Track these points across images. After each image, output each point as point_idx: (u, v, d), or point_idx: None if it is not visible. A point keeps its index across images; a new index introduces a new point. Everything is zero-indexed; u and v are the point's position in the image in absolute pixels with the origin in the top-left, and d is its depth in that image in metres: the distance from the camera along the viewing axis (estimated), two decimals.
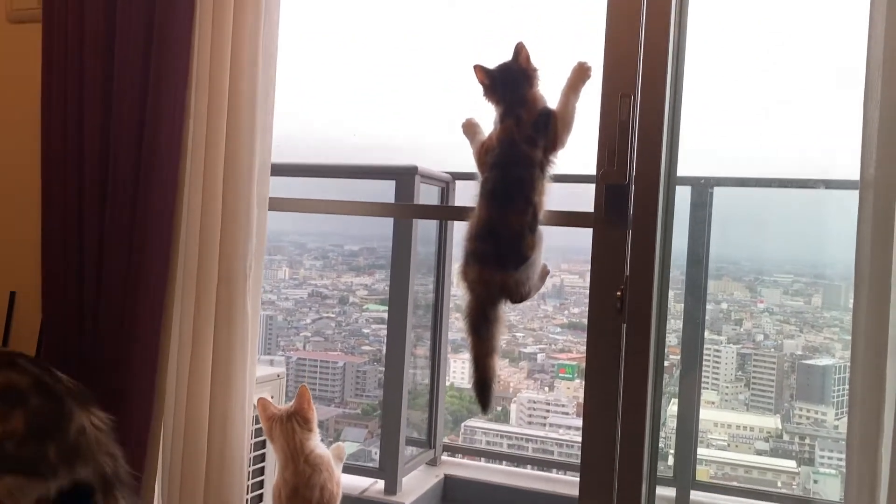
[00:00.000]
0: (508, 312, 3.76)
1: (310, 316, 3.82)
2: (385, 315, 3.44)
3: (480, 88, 1.82)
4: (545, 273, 1.84)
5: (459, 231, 1.90)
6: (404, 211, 2.67)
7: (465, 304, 1.80)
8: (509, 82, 1.79)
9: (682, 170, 1.87)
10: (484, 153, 1.81)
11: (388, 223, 2.91)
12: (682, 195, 2.10)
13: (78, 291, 1.96)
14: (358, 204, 2.14)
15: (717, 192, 2.35)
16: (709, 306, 2.73)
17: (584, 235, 1.79)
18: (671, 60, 1.66)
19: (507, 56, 1.82)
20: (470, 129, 1.88)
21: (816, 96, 2.10)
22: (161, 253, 1.87)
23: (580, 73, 1.76)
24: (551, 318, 3.54)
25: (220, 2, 1.83)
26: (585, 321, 1.76)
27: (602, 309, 1.72)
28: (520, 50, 1.80)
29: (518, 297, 1.79)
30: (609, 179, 1.66)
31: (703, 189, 2.33)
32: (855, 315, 1.45)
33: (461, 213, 1.85)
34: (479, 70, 1.81)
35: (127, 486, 1.62)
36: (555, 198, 1.83)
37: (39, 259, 2.04)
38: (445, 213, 2.53)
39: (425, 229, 2.98)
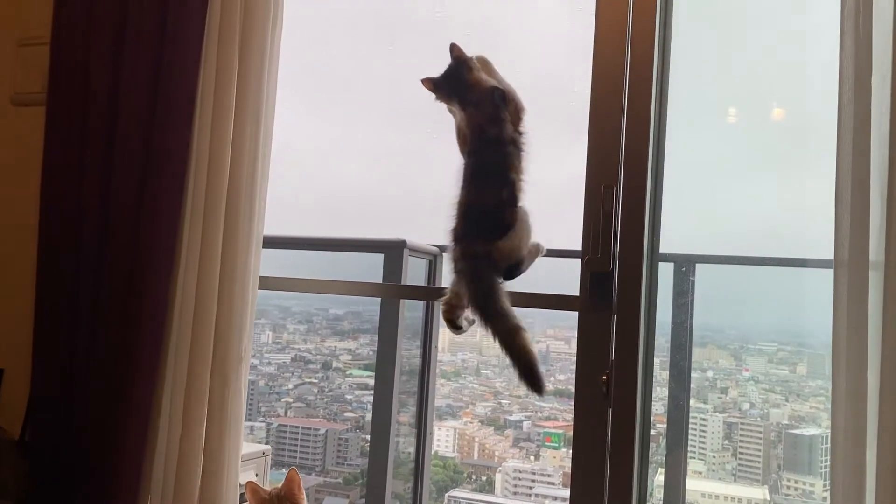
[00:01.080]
0: (493, 379, 3.75)
1: (292, 381, 3.77)
2: (369, 381, 3.40)
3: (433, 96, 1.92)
4: (537, 250, 1.85)
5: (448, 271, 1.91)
6: (392, 291, 2.70)
7: (465, 291, 1.76)
8: (451, 76, 1.89)
9: (665, 247, 1.91)
10: (462, 142, 1.89)
11: (374, 271, 2.90)
12: (665, 270, 2.15)
13: (69, 368, 1.93)
14: (347, 284, 2.16)
15: (700, 268, 2.42)
16: (694, 374, 2.73)
17: (565, 284, 1.83)
18: (652, 152, 1.74)
19: None
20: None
21: (792, 177, 2.18)
22: (155, 331, 1.85)
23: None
24: None
25: (222, 83, 1.86)
26: (572, 388, 1.77)
27: (588, 392, 1.75)
28: (453, 47, 1.90)
29: (506, 268, 1.78)
30: (594, 267, 1.73)
31: (685, 265, 2.40)
32: (834, 390, 1.47)
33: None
34: (427, 81, 1.91)
35: None
36: (541, 272, 1.86)
37: (30, 336, 2.03)
38: (433, 294, 2.55)
39: (413, 278, 2.97)
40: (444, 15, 2.43)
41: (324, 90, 2.69)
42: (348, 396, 3.68)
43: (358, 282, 2.20)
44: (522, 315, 1.82)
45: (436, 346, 3.19)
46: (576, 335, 1.78)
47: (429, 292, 2.74)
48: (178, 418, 1.83)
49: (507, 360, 1.72)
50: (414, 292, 2.76)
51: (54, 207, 2.01)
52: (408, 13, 2.55)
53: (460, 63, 1.89)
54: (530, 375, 1.71)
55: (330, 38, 2.61)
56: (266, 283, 2.00)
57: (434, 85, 1.91)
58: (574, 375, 1.77)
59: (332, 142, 2.83)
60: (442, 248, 2.95)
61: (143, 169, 1.90)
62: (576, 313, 1.78)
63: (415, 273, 2.88)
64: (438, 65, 1.93)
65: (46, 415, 1.96)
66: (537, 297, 1.84)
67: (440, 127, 2.01)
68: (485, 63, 1.93)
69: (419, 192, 2.62)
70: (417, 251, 2.87)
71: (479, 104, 1.85)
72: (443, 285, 1.89)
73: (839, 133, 1.47)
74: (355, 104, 2.72)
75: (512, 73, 1.93)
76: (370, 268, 2.91)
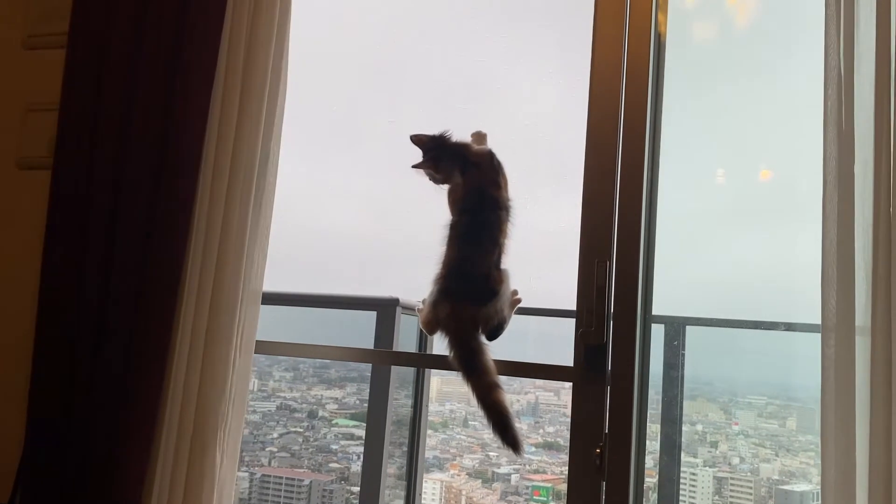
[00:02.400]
0: (481, 431, 3.72)
1: (277, 430, 3.72)
2: (355, 431, 3.36)
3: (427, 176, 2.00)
4: (515, 302, 1.95)
5: (439, 344, 1.95)
6: (385, 358, 2.73)
7: (447, 347, 1.86)
8: (440, 150, 1.99)
9: (656, 308, 1.94)
10: (454, 201, 1.97)
11: (366, 334, 2.91)
12: (656, 330, 2.20)
13: (64, 440, 1.92)
14: (341, 350, 2.17)
15: (690, 329, 2.47)
16: (684, 428, 2.73)
17: (560, 353, 1.85)
18: (644, 224, 1.79)
19: None
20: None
21: (781, 239, 2.22)
22: (150, 405, 1.84)
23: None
24: (526, 436, 3.49)
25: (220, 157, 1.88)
26: (561, 440, 1.78)
27: (582, 464, 1.75)
28: (419, 139, 2.01)
29: (490, 329, 1.88)
30: (588, 340, 1.75)
31: (676, 327, 2.45)
32: (824, 449, 1.49)
33: (439, 363, 1.90)
34: (421, 164, 2.00)
35: None
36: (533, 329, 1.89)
37: (24, 407, 2.00)
38: (425, 361, 2.57)
39: (406, 336, 2.97)
40: (439, 70, 2.48)
41: (318, 138, 2.71)
42: (334, 446, 3.63)
43: (351, 348, 2.22)
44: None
45: (428, 395, 3.17)
46: (565, 386, 1.81)
47: (421, 359, 2.74)
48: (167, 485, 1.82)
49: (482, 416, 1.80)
50: (406, 359, 2.77)
51: (55, 270, 2.01)
52: (401, 64, 2.59)
53: (437, 139, 2.00)
54: (504, 431, 1.79)
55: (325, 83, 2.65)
56: (260, 347, 1.99)
57: (433, 162, 1.99)
58: (565, 430, 1.80)
59: (324, 190, 2.84)
60: None
61: (146, 227, 1.92)
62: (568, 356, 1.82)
63: (407, 331, 2.89)
64: (434, 118, 1.98)
65: (38, 479, 1.93)
66: (532, 366, 1.89)
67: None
68: (481, 137, 2.04)
69: (413, 243, 2.64)
70: (410, 309, 2.87)
71: (479, 165, 1.95)
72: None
73: (824, 206, 1.52)
74: (350, 153, 2.74)
75: (507, 135, 1.98)
76: (363, 324, 2.92)
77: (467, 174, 1.95)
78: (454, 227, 1.93)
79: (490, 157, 1.97)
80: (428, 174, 2.01)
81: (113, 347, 1.90)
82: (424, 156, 2.01)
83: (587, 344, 1.75)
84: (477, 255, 1.87)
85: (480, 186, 1.93)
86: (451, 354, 1.85)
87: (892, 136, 1.43)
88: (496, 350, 1.90)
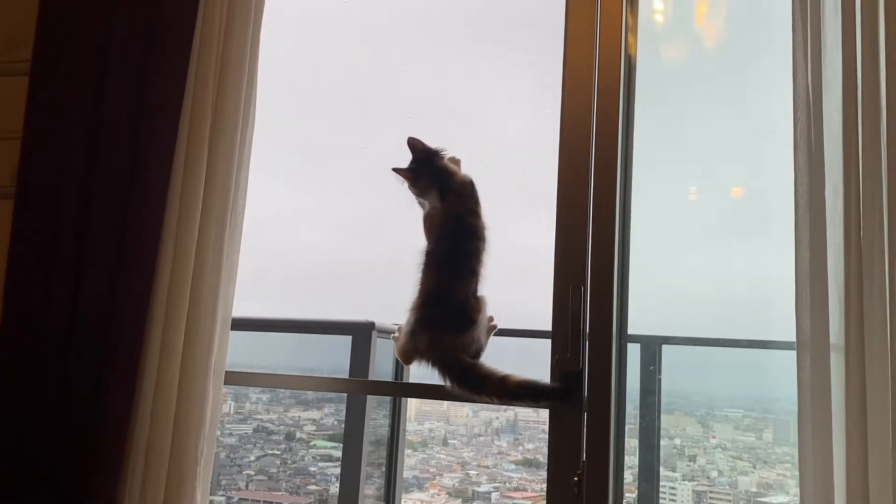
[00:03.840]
0: (460, 450, 3.70)
1: (254, 453, 3.67)
2: (333, 452, 3.32)
3: (406, 183, 1.99)
4: (492, 329, 1.95)
5: (416, 369, 1.95)
6: (360, 387, 2.70)
7: (439, 376, 1.84)
8: (428, 164, 1.97)
9: (631, 327, 1.95)
10: (430, 228, 1.96)
11: (344, 358, 2.88)
12: (632, 350, 2.21)
13: (33, 475, 1.86)
14: (315, 380, 2.15)
15: (666, 347, 2.49)
16: (662, 441, 2.74)
17: (538, 364, 1.85)
18: (618, 246, 1.79)
19: None
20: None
21: (756, 255, 2.24)
22: (120, 441, 1.79)
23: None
24: (505, 454, 3.49)
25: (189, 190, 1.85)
26: (541, 457, 1.77)
27: (560, 491, 1.74)
28: (414, 144, 1.99)
29: (469, 356, 1.87)
30: (564, 366, 1.74)
31: (652, 346, 2.47)
32: (801, 464, 1.50)
33: (416, 391, 1.89)
34: (404, 171, 1.99)
35: None
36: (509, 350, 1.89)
37: None
38: (401, 390, 2.58)
39: (382, 360, 2.95)
40: (413, 93, 2.47)
41: (291, 162, 2.69)
42: (312, 468, 3.59)
43: (325, 378, 2.21)
44: None
45: (405, 419, 3.14)
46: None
47: (397, 388, 2.73)
48: None
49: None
50: (382, 388, 2.75)
51: (18, 301, 1.96)
52: (375, 87, 2.59)
53: (430, 153, 1.98)
54: (542, 393, 1.78)
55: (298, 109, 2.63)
56: (231, 378, 1.95)
57: (414, 174, 1.98)
58: (545, 446, 1.81)
59: (298, 212, 2.82)
60: None
61: (115, 250, 1.88)
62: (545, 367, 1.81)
63: (383, 355, 2.86)
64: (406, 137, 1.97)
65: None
66: None
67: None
68: (455, 162, 2.02)
69: (389, 265, 2.63)
70: (386, 332, 2.85)
71: (460, 193, 1.94)
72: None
73: (796, 230, 1.54)
74: (324, 175, 2.73)
75: (481, 157, 1.97)
76: (340, 348, 2.89)
77: (447, 200, 1.94)
78: (431, 255, 1.92)
79: (471, 186, 1.97)
80: (406, 181, 2.00)
81: (80, 378, 1.85)
82: (410, 163, 1.99)
83: (563, 370, 1.74)
84: (455, 284, 1.87)
85: (459, 214, 1.92)
86: (447, 382, 1.83)
87: (861, 161, 1.45)
88: None
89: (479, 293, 1.90)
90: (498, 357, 2.01)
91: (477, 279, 1.90)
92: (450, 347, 1.84)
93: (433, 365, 1.84)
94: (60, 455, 1.83)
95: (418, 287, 1.91)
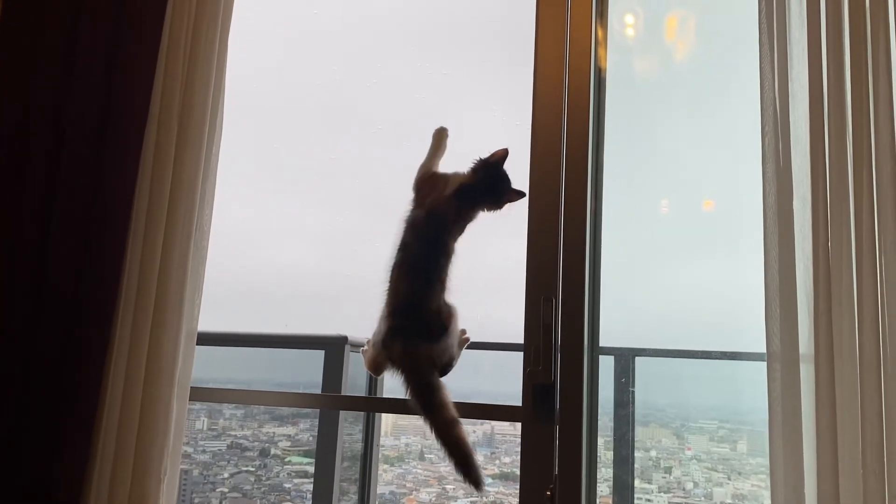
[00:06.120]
0: (437, 464, 3.68)
1: (228, 470, 3.61)
2: (308, 468, 3.28)
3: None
4: (464, 341, 1.94)
5: (390, 380, 1.93)
6: (331, 402, 2.67)
7: (403, 384, 1.82)
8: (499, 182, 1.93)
9: (604, 340, 1.95)
10: (425, 183, 1.95)
11: (315, 368, 2.85)
12: (606, 362, 2.21)
13: None
14: (285, 395, 2.12)
15: (639, 360, 2.49)
16: (638, 454, 2.74)
17: (511, 381, 1.85)
18: (589, 258, 1.79)
19: None
20: (440, 138, 2.02)
21: (726, 268, 2.26)
22: (80, 458, 1.76)
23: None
24: (482, 467, 3.46)
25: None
26: (517, 471, 1.75)
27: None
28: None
29: (441, 366, 1.86)
30: (536, 379, 1.74)
31: (625, 358, 2.47)
32: (773, 474, 1.51)
33: (389, 406, 1.87)
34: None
35: None
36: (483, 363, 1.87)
37: None
38: (373, 405, 2.56)
39: (356, 374, 2.93)
40: (385, 108, 2.47)
41: (261, 176, 2.67)
42: (287, 485, 3.54)
43: (297, 393, 2.18)
44: (468, 393, 1.87)
45: (379, 432, 3.12)
46: (517, 405, 1.80)
47: (370, 403, 2.71)
48: None
49: (443, 453, 1.78)
50: (354, 403, 2.71)
51: None
52: (348, 101, 2.57)
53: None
54: (467, 468, 1.77)
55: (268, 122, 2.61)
56: (198, 394, 1.92)
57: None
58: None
59: (270, 226, 2.79)
60: None
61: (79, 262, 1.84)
62: (517, 395, 1.80)
63: (356, 369, 2.84)
64: (380, 155, 1.95)
65: None
66: (480, 407, 1.87)
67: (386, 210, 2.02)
68: None
69: (361, 280, 2.61)
70: (359, 346, 2.83)
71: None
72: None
73: (765, 241, 1.55)
74: (297, 189, 2.71)
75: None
76: (313, 362, 2.86)
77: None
78: (404, 250, 1.89)
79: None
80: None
81: (43, 390, 1.81)
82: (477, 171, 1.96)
83: (535, 383, 1.73)
84: (430, 293, 1.85)
85: (446, 223, 1.91)
86: (408, 393, 1.82)
87: (828, 173, 1.47)
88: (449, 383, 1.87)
89: (448, 300, 1.89)
90: (471, 371, 2.00)
91: (444, 286, 1.88)
92: (424, 357, 1.82)
93: (402, 373, 1.83)
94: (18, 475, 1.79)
95: (387, 294, 1.89)
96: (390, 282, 1.89)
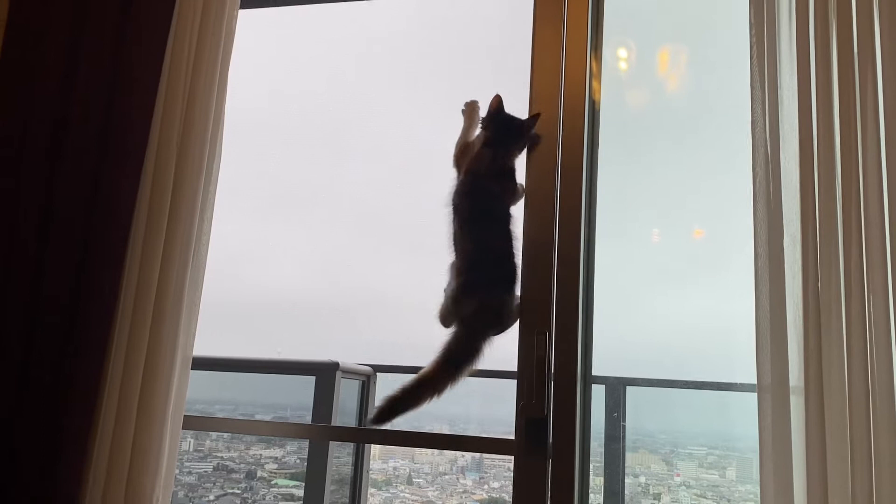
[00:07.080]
0: (425, 488, 3.66)
1: (213, 492, 3.58)
2: (295, 491, 3.25)
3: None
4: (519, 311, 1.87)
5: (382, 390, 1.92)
6: (321, 433, 2.66)
7: (454, 338, 1.83)
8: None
9: (596, 368, 1.95)
10: (462, 155, 1.97)
11: (306, 390, 2.84)
12: (597, 391, 2.22)
13: None
14: (274, 425, 2.12)
15: (630, 389, 2.51)
16: (627, 480, 2.74)
17: (503, 405, 1.85)
18: (582, 297, 1.80)
19: None
20: (471, 112, 2.03)
21: (718, 298, 2.28)
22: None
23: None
24: (471, 493, 3.46)
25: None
26: (506, 496, 1.74)
27: None
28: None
29: (507, 321, 1.83)
30: (529, 413, 1.73)
31: (616, 387, 2.48)
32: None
33: (380, 437, 1.86)
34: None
35: None
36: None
37: None
38: (363, 436, 2.53)
39: (346, 399, 2.92)
40: (379, 134, 2.48)
41: (257, 202, 2.68)
42: None
43: (288, 423, 2.17)
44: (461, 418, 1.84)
45: (369, 454, 3.11)
46: (510, 438, 1.80)
47: (360, 434, 2.70)
48: None
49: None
50: (343, 434, 2.71)
51: None
52: (342, 127, 2.59)
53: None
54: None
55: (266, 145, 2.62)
56: (190, 423, 1.91)
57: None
58: (509, 485, 1.76)
59: (263, 251, 2.80)
60: (375, 368, 2.95)
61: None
62: (509, 420, 1.80)
63: (347, 395, 2.84)
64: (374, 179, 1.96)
65: None
66: (474, 440, 1.86)
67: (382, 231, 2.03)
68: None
69: (355, 302, 2.61)
70: (350, 372, 2.84)
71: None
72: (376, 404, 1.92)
73: (756, 279, 1.56)
74: (289, 213, 2.72)
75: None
76: (303, 385, 2.85)
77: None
78: (458, 214, 1.91)
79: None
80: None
81: (37, 414, 1.80)
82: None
83: (528, 417, 1.74)
84: (493, 240, 1.86)
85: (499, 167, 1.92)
86: (454, 344, 1.83)
87: (817, 213, 1.49)
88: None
89: None
90: (461, 396, 1.99)
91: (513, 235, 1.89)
92: (496, 310, 1.82)
93: (468, 332, 1.83)
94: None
95: (456, 254, 1.90)
96: (455, 245, 1.90)
